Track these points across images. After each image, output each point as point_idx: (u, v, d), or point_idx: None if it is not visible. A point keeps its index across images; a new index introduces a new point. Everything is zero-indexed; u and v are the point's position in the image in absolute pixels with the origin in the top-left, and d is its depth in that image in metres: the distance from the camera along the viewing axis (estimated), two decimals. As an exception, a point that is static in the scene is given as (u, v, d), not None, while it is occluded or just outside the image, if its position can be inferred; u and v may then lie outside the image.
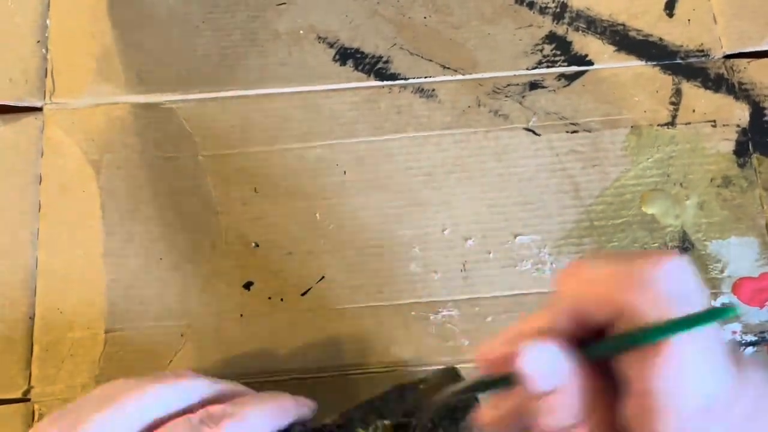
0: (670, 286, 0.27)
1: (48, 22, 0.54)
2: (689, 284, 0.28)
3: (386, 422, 0.40)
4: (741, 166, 0.51)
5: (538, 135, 0.52)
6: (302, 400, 0.40)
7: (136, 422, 0.34)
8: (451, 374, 0.42)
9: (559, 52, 0.54)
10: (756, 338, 0.48)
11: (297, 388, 0.46)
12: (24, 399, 0.46)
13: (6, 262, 0.49)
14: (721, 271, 0.49)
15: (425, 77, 0.53)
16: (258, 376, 0.47)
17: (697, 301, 0.27)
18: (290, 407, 0.39)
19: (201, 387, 0.37)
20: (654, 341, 0.26)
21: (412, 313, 0.49)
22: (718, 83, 0.53)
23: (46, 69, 0.53)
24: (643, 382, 0.27)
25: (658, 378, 0.26)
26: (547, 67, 0.53)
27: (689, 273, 0.28)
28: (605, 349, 0.28)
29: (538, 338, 0.29)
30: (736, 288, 0.49)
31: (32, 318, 0.48)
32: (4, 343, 0.47)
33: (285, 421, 0.38)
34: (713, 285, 0.49)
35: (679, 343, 0.26)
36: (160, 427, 0.34)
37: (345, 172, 0.51)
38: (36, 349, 0.47)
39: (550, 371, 0.28)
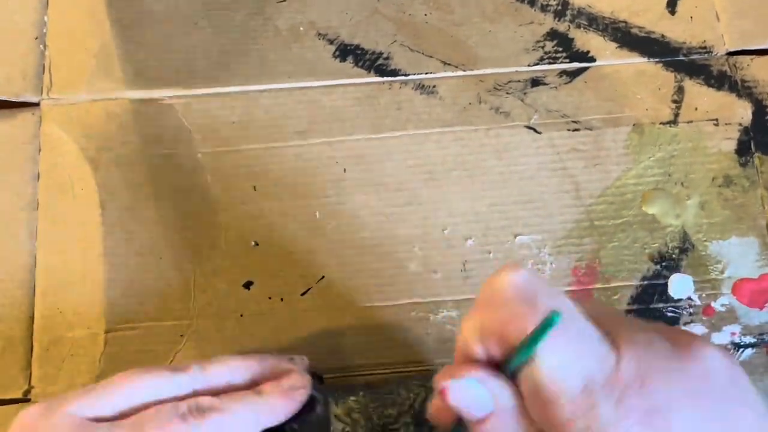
0: (509, 293, 0.30)
1: (46, 18, 0.53)
2: (529, 284, 0.30)
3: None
4: (743, 165, 0.51)
5: (539, 133, 0.52)
6: (298, 396, 0.39)
7: (121, 403, 0.35)
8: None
9: (560, 49, 0.53)
10: (755, 340, 0.48)
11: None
12: (24, 399, 0.46)
13: (5, 261, 0.49)
14: (722, 272, 0.49)
15: (426, 73, 0.53)
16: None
17: (539, 294, 0.30)
18: (286, 406, 0.38)
19: (207, 377, 0.38)
20: (524, 360, 0.29)
21: (412, 313, 0.49)
22: (720, 81, 0.53)
23: (44, 65, 0.52)
24: (529, 383, 0.29)
25: (535, 377, 0.29)
26: (549, 63, 0.53)
27: (524, 274, 0.31)
28: (508, 369, 0.31)
29: (461, 372, 0.31)
30: (736, 289, 0.48)
31: (32, 318, 0.48)
32: (4, 342, 0.47)
33: (277, 420, 0.38)
34: (713, 286, 0.49)
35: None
36: (147, 410, 0.35)
37: (345, 170, 0.51)
38: (36, 348, 0.47)
39: (477, 400, 0.31)
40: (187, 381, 0.37)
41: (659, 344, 0.30)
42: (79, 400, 0.35)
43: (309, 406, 0.39)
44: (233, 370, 0.39)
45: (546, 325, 0.28)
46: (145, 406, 0.35)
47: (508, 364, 0.30)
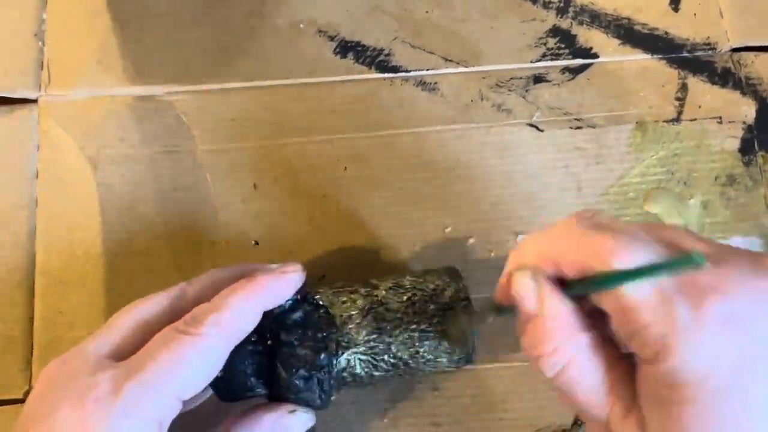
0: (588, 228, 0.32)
1: (44, 14, 0.53)
2: (608, 222, 0.32)
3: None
4: (746, 164, 0.51)
5: (542, 131, 0.51)
6: (290, 277, 0.40)
7: (128, 333, 0.37)
8: (452, 271, 0.44)
9: (563, 45, 0.53)
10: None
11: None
12: (24, 400, 0.46)
13: (4, 260, 0.49)
14: (724, 272, 0.49)
15: (427, 69, 0.52)
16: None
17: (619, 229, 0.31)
18: (279, 289, 0.39)
19: (196, 286, 0.40)
20: (612, 287, 0.30)
21: (413, 312, 0.48)
22: (724, 78, 0.52)
23: (42, 61, 0.52)
24: (610, 298, 0.30)
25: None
26: (551, 60, 0.53)
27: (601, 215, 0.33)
28: (578, 290, 0.32)
29: (526, 270, 0.33)
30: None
31: (32, 318, 0.48)
32: (4, 343, 0.47)
33: (274, 301, 0.39)
34: (716, 286, 0.49)
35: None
36: (152, 335, 0.36)
37: (345, 168, 0.51)
38: (36, 349, 0.47)
39: (533, 293, 0.32)
40: (179, 293, 0.39)
41: (743, 260, 0.30)
42: (92, 342, 0.36)
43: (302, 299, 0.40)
44: (219, 273, 0.40)
45: (680, 262, 0.28)
46: (149, 328, 0.37)
47: (573, 287, 0.32)
